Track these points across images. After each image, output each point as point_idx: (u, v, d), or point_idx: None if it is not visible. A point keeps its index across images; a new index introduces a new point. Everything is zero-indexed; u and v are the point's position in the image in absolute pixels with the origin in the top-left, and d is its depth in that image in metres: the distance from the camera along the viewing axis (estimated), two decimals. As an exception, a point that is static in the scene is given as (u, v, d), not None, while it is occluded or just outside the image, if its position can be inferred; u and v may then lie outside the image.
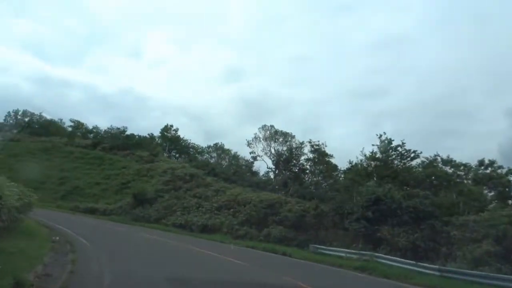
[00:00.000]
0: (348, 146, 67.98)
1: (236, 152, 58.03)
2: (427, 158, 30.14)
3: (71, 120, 69.80)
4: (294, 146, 44.12)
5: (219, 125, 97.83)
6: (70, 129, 68.71)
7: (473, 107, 75.22)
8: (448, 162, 29.60)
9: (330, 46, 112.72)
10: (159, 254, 16.15)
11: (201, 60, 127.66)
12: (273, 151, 45.60)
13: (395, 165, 30.47)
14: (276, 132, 46.29)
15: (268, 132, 46.48)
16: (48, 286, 7.91)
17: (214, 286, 10.40)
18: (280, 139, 45.91)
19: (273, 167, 45.27)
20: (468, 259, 16.80)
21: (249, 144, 46.78)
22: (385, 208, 22.11)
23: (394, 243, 20.33)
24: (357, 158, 32.16)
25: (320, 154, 39.90)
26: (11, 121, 68.11)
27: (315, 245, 23.24)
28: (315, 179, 41.99)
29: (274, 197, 30.72)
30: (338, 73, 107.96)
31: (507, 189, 26.82)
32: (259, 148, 46.35)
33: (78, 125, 69.02)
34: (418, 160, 30.40)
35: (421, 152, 30.13)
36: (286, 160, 42.63)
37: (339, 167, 39.78)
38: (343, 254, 20.57)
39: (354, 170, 32.15)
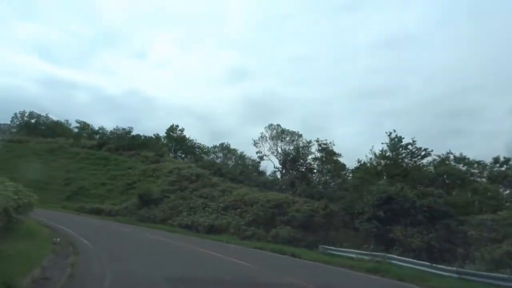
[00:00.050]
0: (353, 145, 67.15)
1: (243, 152, 57.58)
2: (439, 156, 29.34)
3: (77, 121, 70.10)
4: (301, 145, 43.41)
5: (225, 125, 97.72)
6: (76, 130, 68.85)
7: (478, 106, 74.14)
8: (461, 160, 28.78)
9: (333, 46, 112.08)
10: (161, 255, 15.70)
11: (206, 61, 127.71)
12: (279, 150, 44.94)
13: (405, 164, 29.74)
14: (283, 131, 45.54)
15: (274, 131, 45.80)
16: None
17: (214, 286, 10.02)
18: (287, 138, 45.17)
19: (280, 166, 44.59)
20: (487, 261, 16.05)
21: (255, 144, 46.19)
22: (397, 207, 21.37)
23: (407, 244, 19.59)
24: (366, 156, 31.57)
25: (328, 153, 39.13)
26: (17, 123, 68.28)
27: (325, 246, 22.58)
28: (323, 178, 41.22)
29: (282, 196, 30.12)
30: (342, 72, 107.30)
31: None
32: (265, 148, 45.72)
33: (84, 126, 69.07)
34: (429, 158, 29.66)
35: (432, 150, 29.39)
36: (293, 159, 41.90)
37: (347, 166, 39.24)
38: (354, 255, 19.87)
39: (363, 169, 31.48)
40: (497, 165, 27.84)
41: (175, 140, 60.26)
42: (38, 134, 62.53)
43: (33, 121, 68.67)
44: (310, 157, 41.52)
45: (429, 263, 16.42)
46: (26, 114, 68.88)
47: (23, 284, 7.19)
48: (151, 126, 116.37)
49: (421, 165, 29.70)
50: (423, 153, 29.58)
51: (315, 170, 41.61)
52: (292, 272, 13.96)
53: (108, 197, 41.47)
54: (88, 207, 37.98)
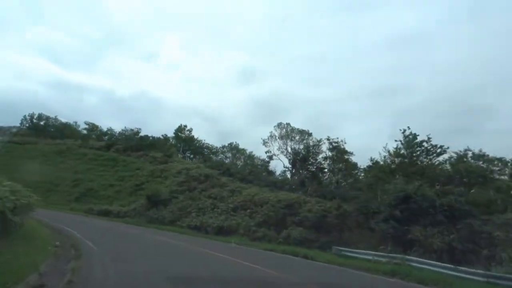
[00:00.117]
0: (363, 145, 65.93)
1: (251, 152, 56.86)
2: (456, 153, 28.16)
3: (85, 123, 70.31)
4: (311, 144, 42.41)
5: (233, 125, 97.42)
6: (84, 131, 68.94)
7: (487, 105, 72.25)
8: (480, 156, 27.53)
9: (339, 45, 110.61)
10: (167, 256, 15.04)
11: (214, 61, 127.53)
12: (289, 149, 44.08)
13: (420, 162, 28.65)
14: (293, 130, 44.71)
15: (284, 130, 44.98)
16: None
17: (215, 286, 9.43)
18: (297, 137, 44.30)
19: (290, 166, 43.71)
20: (516, 263, 14.99)
21: (264, 143, 45.45)
22: (415, 206, 20.28)
23: (427, 245, 18.48)
24: (379, 154, 30.49)
25: (339, 152, 38.06)
26: (26, 125, 68.65)
27: (339, 247, 21.61)
28: (334, 177, 40.16)
29: (293, 196, 29.19)
30: (352, 71, 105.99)
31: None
32: (275, 147, 44.94)
33: (92, 128, 69.15)
34: (445, 156, 28.50)
35: (448, 148, 28.24)
36: (303, 158, 40.94)
37: (358, 165, 38.18)
38: (370, 257, 18.81)
39: (377, 167, 30.44)
40: (520, 162, 26.66)
41: (184, 140, 59.89)
42: (47, 136, 62.76)
43: (42, 123, 69.05)
44: (320, 156, 40.53)
45: (452, 266, 15.37)
46: (35, 116, 69.31)
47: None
48: (159, 127, 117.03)
49: (437, 162, 28.60)
50: (438, 150, 28.50)
51: (325, 170, 40.59)
52: (306, 274, 13.19)
53: (116, 198, 41.11)
54: (96, 208, 37.64)
